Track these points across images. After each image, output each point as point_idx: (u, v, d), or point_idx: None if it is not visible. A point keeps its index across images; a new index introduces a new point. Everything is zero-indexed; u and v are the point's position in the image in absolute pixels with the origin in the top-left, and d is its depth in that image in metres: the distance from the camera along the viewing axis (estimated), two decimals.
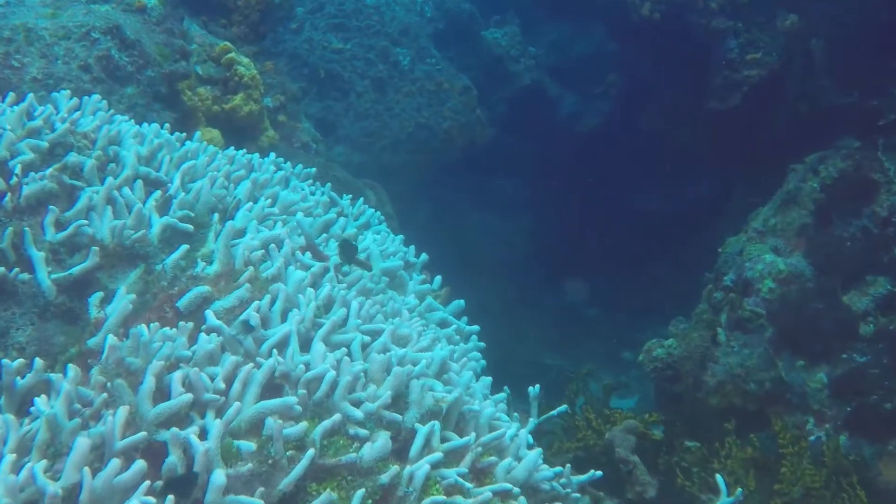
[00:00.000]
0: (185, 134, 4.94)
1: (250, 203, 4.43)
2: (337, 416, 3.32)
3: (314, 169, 5.49)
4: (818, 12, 7.74)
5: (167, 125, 4.93)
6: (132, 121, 4.78)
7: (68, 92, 4.76)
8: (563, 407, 5.28)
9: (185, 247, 4.01)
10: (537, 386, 5.08)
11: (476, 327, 4.93)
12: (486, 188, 13.25)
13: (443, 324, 4.72)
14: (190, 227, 4.14)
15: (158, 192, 4.28)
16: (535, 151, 13.53)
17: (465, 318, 4.98)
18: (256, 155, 5.30)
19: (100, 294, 3.85)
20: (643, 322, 13.80)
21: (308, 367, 3.53)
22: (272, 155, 5.45)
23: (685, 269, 14.26)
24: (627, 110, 12.92)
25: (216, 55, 6.52)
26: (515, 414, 5.12)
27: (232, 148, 5.03)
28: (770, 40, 9.75)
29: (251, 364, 3.48)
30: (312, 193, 5.12)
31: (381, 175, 11.37)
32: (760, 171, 11.09)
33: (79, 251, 3.99)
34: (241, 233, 4.26)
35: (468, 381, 3.92)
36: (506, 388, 5.27)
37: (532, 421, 5.05)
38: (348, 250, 4.25)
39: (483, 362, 4.74)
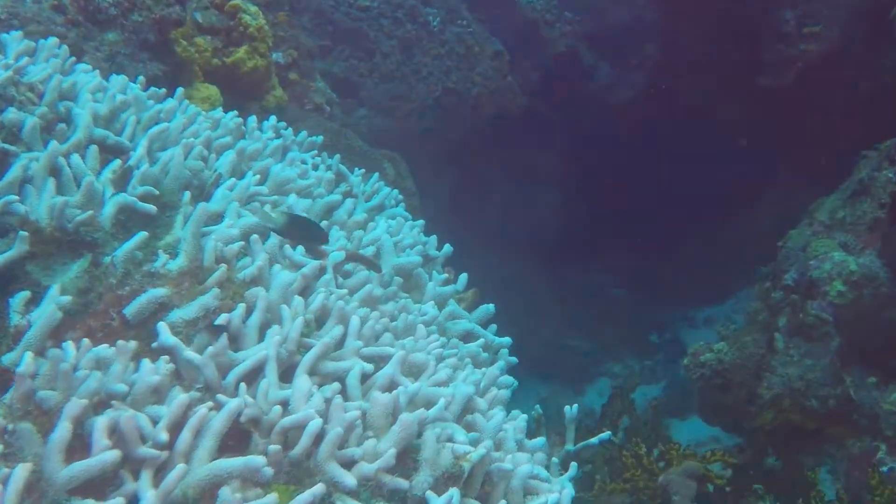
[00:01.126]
0: (164, 90, 3.89)
1: (233, 180, 3.39)
2: (320, 485, 2.31)
3: (321, 137, 4.43)
4: None
5: (140, 79, 3.87)
6: (96, 72, 3.73)
7: (20, 33, 3.71)
8: (607, 434, 4.22)
9: (142, 234, 2.98)
10: (575, 407, 4.04)
11: (507, 339, 3.90)
12: (516, 159, 12.19)
13: (467, 336, 3.69)
14: (153, 207, 3.10)
15: (118, 162, 3.24)
16: (567, 123, 12.45)
17: (493, 327, 3.94)
18: (253, 118, 4.27)
19: (26, 294, 2.82)
20: (671, 304, 12.81)
21: (287, 408, 2.54)
22: (273, 118, 4.41)
23: (718, 252, 13.25)
24: (666, 83, 11.85)
25: (219, 1, 5.49)
26: (542, 439, 4.11)
27: (219, 109, 3.97)
28: (830, 12, 8.66)
29: (209, 405, 2.48)
30: (316, 167, 4.08)
31: (405, 141, 10.37)
32: (809, 155, 10.05)
33: (5, 236, 2.98)
34: (218, 218, 3.23)
35: (498, 424, 2.90)
36: (538, 407, 4.25)
37: (568, 449, 4.01)
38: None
39: (514, 382, 3.67)
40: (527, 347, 11.35)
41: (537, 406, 4.19)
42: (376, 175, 4.46)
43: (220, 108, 5.21)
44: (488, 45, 11.28)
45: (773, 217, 11.06)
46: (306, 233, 3.24)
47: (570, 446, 4.10)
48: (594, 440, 4.09)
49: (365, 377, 2.81)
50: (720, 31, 9.35)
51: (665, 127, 12.34)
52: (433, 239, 4.07)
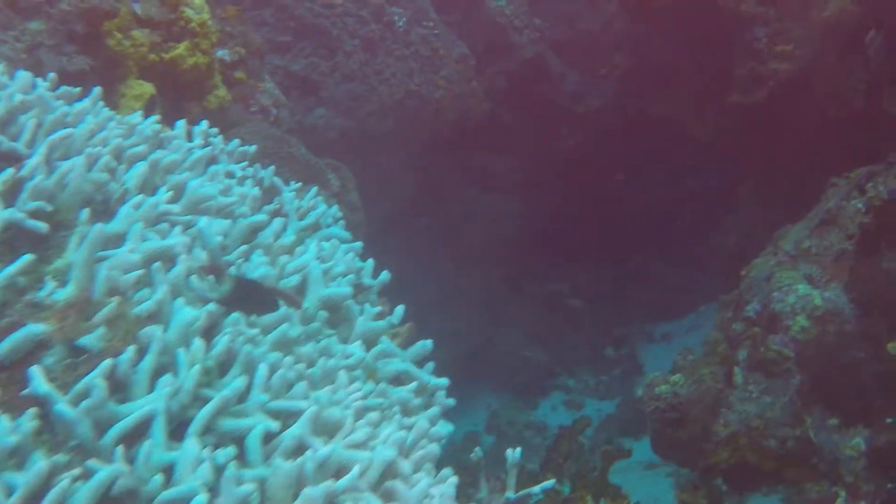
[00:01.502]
0: (80, 89, 3.46)
1: (142, 196, 2.98)
2: None
3: (253, 147, 4.02)
4: None
5: (51, 76, 3.44)
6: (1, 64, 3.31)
7: None
8: (550, 482, 3.83)
9: (28, 257, 2.56)
10: (518, 450, 3.66)
11: (444, 381, 3.49)
12: (478, 166, 11.82)
13: (400, 378, 3.28)
14: (43, 225, 2.68)
15: (9, 172, 2.83)
16: (532, 131, 12.10)
17: (430, 366, 3.54)
18: (181, 124, 3.85)
19: None
20: (629, 316, 12.48)
21: (171, 476, 2.14)
22: (204, 124, 3.99)
23: (679, 267, 12.95)
24: (633, 94, 11.52)
25: None
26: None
27: (138, 113, 3.54)
28: (803, 32, 8.32)
29: (74, 472, 2.08)
30: (244, 181, 3.66)
31: (364, 142, 9.98)
32: (777, 175, 9.74)
33: None
34: (120, 240, 2.82)
35: (422, 492, 2.51)
36: (478, 451, 3.87)
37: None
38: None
39: (449, 429, 3.28)
40: (483, 359, 11.05)
41: (477, 450, 3.80)
42: (314, 189, 4.06)
43: (140, 112, 4.81)
44: (454, 49, 10.90)
45: (737, 235, 10.79)
46: (258, 300, 2.83)
47: (510, 493, 3.72)
48: (536, 489, 3.71)
49: (271, 437, 2.41)
50: (691, 44, 9.00)
51: (631, 139, 12.03)
52: (369, 264, 3.67)
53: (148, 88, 4.77)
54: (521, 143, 12.09)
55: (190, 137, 3.87)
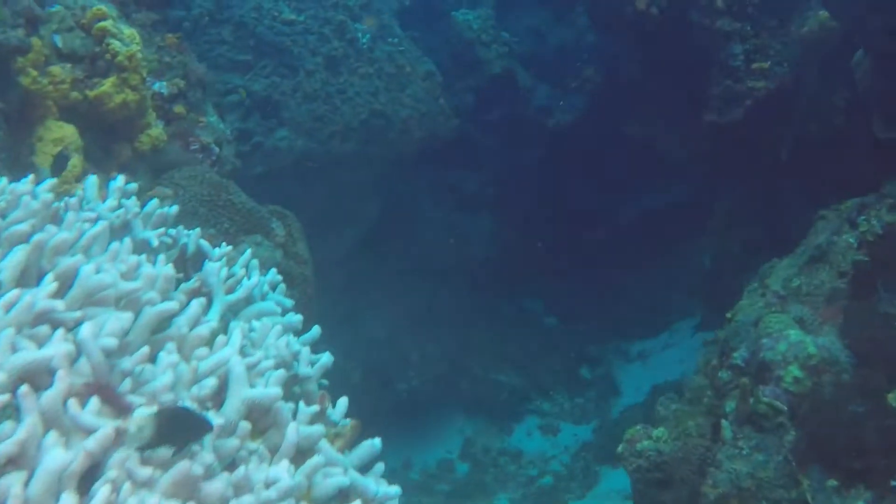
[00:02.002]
0: None
1: (17, 291, 2.37)
2: None
3: (175, 207, 3.40)
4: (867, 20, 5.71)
5: None
6: None
7: None
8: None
9: None
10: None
11: (395, 490, 2.85)
12: (446, 184, 11.23)
13: (344, 495, 2.67)
14: None
15: None
16: (501, 147, 11.53)
17: (380, 467, 2.93)
18: (92, 181, 3.24)
19: None
20: (604, 335, 11.93)
21: None
22: (119, 179, 3.38)
23: (653, 283, 12.40)
24: (604, 109, 10.97)
25: (87, 22, 4.46)
26: None
27: (28, 179, 2.90)
28: (781, 48, 7.78)
29: None
30: (157, 255, 3.04)
31: (328, 165, 9.39)
32: (752, 194, 9.20)
33: None
34: None
35: None
36: None
37: None
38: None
39: None
40: (454, 384, 10.46)
41: None
42: (247, 253, 3.44)
43: (76, 154, 4.19)
44: (420, 65, 10.31)
45: (712, 254, 10.24)
46: (184, 428, 2.22)
47: None
48: None
49: None
50: (664, 60, 8.44)
51: (603, 154, 11.49)
52: (305, 352, 3.04)
53: (69, 131, 4.16)
54: (490, 160, 11.52)
55: (106, 195, 3.27)
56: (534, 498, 9.34)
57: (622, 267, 12.34)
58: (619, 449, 5.15)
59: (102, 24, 4.40)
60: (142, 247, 3.11)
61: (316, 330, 3.48)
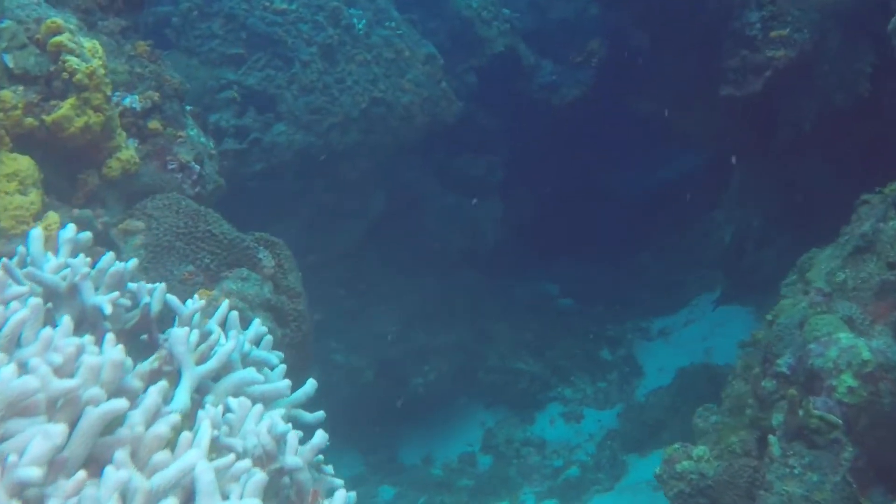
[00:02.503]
0: None
1: None
2: None
3: (133, 260, 2.81)
4: None
5: None
6: None
7: None
8: None
9: None
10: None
11: None
12: (453, 169, 10.63)
13: None
14: None
15: None
16: (507, 127, 10.92)
17: None
18: (35, 235, 2.67)
19: None
20: (622, 314, 11.35)
21: None
22: (69, 229, 2.81)
23: (670, 258, 11.80)
24: (611, 82, 10.36)
25: (41, 37, 3.88)
26: None
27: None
28: (800, 14, 7.13)
29: None
30: (106, 333, 2.46)
31: (329, 158, 8.80)
32: (771, 168, 8.61)
33: None
34: None
35: None
36: None
37: None
38: None
39: None
40: (471, 375, 9.90)
41: None
42: (224, 305, 2.86)
43: (34, 189, 3.61)
44: (420, 48, 9.69)
45: (733, 229, 9.67)
46: None
47: None
48: None
49: None
50: (673, 31, 7.81)
51: (612, 129, 10.90)
52: (292, 437, 2.44)
53: (25, 163, 3.57)
54: (496, 142, 10.92)
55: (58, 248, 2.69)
56: (560, 491, 8.80)
57: (637, 243, 11.78)
58: (657, 470, 4.58)
59: (58, 38, 3.80)
60: (94, 316, 2.54)
61: (311, 385, 2.93)
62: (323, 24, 9.15)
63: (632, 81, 9.28)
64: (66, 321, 2.24)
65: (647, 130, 9.93)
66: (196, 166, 4.31)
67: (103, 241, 3.55)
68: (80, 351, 2.18)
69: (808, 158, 7.68)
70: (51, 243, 3.00)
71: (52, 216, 3.57)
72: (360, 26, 9.34)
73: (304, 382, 2.98)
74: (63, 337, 2.19)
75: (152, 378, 2.35)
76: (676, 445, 4.59)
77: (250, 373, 2.60)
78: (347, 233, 9.44)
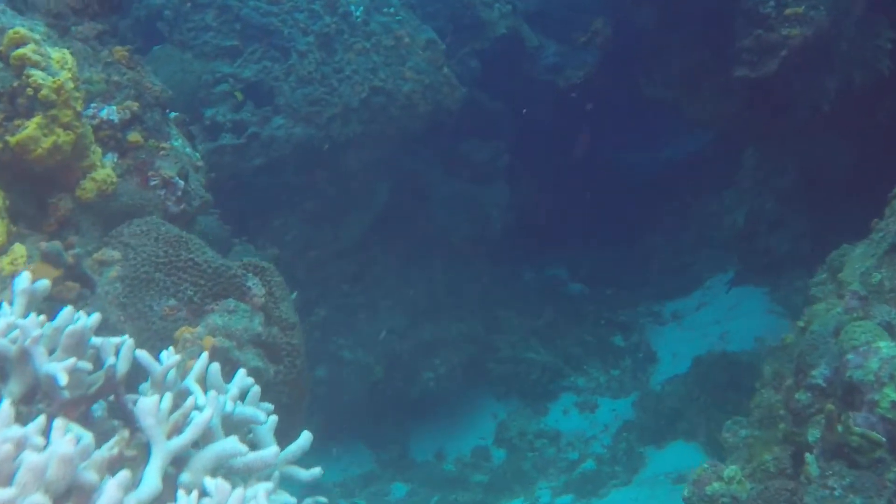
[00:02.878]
0: None
1: None
2: None
3: (95, 316, 2.39)
4: None
5: None
6: None
7: None
8: None
9: None
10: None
11: None
12: (457, 156, 10.22)
13: None
14: None
15: None
16: (512, 111, 10.50)
17: None
18: None
19: None
20: (634, 297, 10.96)
21: None
22: (23, 278, 2.42)
23: (681, 239, 11.39)
24: (616, 62, 9.94)
25: (3, 50, 3.48)
26: None
27: None
28: None
29: None
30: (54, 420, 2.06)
31: (331, 150, 8.41)
32: (785, 151, 8.21)
33: None
34: None
35: None
36: None
37: None
38: None
39: None
40: (482, 367, 9.52)
41: None
42: (202, 357, 2.48)
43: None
44: (420, 34, 9.26)
45: (746, 212, 9.25)
46: None
47: None
48: None
49: None
50: (681, 10, 7.38)
51: (618, 110, 10.48)
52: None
53: None
54: (501, 126, 10.50)
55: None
56: (576, 485, 8.43)
57: (647, 225, 11.39)
58: (686, 493, 4.19)
59: (21, 51, 3.40)
60: (48, 385, 2.16)
61: (305, 439, 2.54)
62: (319, 13, 8.73)
63: (637, 59, 8.88)
64: (5, 408, 1.85)
65: (654, 110, 9.50)
66: (180, 182, 3.90)
67: (75, 276, 3.16)
68: (22, 443, 1.79)
69: (824, 138, 7.27)
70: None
71: (19, 249, 3.19)
72: (358, 13, 8.92)
73: (298, 422, 2.60)
74: (1, 428, 1.80)
75: (113, 466, 1.97)
76: (705, 465, 4.20)
77: (232, 444, 2.22)
78: (351, 226, 9.05)
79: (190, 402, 2.26)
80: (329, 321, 8.88)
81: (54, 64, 3.52)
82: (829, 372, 4.04)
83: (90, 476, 1.88)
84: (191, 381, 2.41)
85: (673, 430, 8.45)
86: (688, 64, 7.45)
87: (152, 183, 3.89)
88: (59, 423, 1.90)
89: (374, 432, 9.17)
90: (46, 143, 3.38)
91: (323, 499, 2.31)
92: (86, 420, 2.24)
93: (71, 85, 3.47)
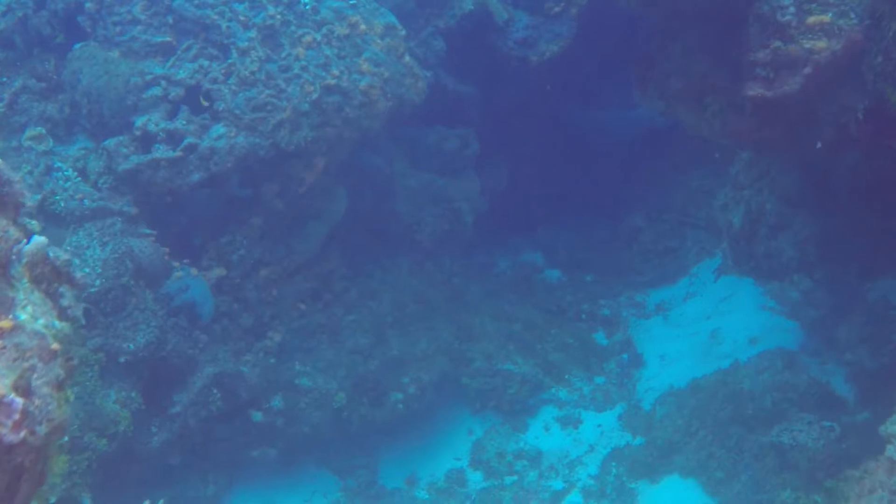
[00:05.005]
0: None
1: None
2: None
3: None
4: None
5: None
6: None
7: None
8: None
9: None
10: None
11: None
12: (423, 145, 8.81)
13: None
14: None
15: None
16: (481, 94, 9.06)
17: None
18: None
19: None
20: (615, 285, 9.69)
21: None
22: None
23: (664, 219, 10.09)
24: (593, 33, 8.55)
25: None
26: None
27: None
28: None
29: None
30: None
31: (278, 163, 7.03)
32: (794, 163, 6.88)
33: None
34: None
35: None
36: None
37: None
38: None
39: None
40: (455, 381, 8.18)
41: None
42: None
43: None
44: (377, 19, 7.77)
45: (740, 209, 7.93)
46: None
47: None
48: None
49: None
50: (684, 12, 5.93)
51: (596, 83, 9.08)
52: None
53: None
54: (468, 111, 9.08)
55: None
56: None
57: (627, 203, 10.05)
58: None
59: None
60: None
61: None
62: (262, 3, 7.26)
63: (615, 29, 7.48)
64: None
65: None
66: (17, 400, 2.50)
67: None
68: None
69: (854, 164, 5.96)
70: None
71: None
72: (306, 0, 7.40)
73: None
74: None
75: None
76: None
77: None
78: (306, 239, 7.68)
79: None
80: (285, 346, 7.55)
81: None
82: None
83: None
84: None
85: (668, 464, 7.28)
86: (691, 78, 6.00)
87: None
88: None
89: (339, 456, 7.93)
90: None
91: None
92: None
93: None
